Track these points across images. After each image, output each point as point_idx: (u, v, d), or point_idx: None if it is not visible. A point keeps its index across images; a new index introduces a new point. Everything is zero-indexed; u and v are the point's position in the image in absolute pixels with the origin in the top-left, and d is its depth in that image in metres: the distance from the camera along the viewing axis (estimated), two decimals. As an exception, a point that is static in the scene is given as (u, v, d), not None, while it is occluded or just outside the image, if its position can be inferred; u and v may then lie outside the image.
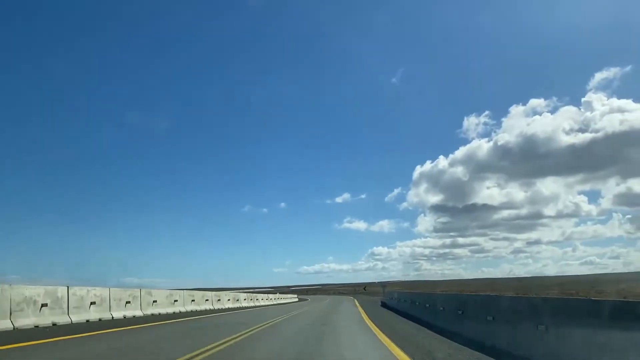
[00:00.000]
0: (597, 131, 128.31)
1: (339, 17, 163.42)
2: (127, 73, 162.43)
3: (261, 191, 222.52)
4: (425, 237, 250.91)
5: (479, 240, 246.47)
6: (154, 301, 20.28)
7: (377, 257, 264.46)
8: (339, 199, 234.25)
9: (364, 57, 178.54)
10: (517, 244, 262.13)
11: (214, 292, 29.37)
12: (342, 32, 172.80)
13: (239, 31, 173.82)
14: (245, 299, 36.02)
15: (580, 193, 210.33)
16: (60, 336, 10.96)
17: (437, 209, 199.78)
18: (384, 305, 33.97)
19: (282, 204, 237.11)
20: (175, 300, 22.70)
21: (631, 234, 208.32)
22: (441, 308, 15.58)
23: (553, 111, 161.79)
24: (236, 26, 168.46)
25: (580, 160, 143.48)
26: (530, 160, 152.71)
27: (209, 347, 9.11)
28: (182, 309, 22.99)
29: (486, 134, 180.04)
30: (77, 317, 14.63)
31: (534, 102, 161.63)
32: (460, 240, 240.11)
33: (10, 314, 12.12)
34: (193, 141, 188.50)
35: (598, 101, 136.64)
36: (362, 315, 22.22)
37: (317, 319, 19.02)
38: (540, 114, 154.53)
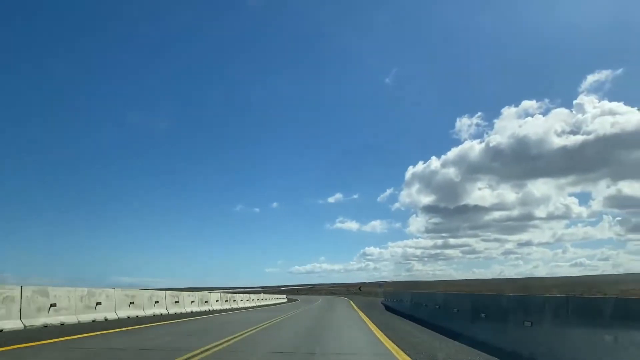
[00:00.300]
0: (588, 133, 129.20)
1: (334, 17, 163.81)
2: (127, 73, 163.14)
3: (253, 191, 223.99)
4: (417, 237, 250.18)
5: (470, 241, 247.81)
6: (51, 305, 12.88)
7: (369, 257, 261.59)
8: (331, 199, 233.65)
9: (358, 58, 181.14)
10: (508, 245, 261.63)
11: (170, 292, 21.93)
12: (336, 32, 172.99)
13: (238, 31, 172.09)
14: (217, 300, 28.63)
15: (571, 195, 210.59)
16: None
17: (429, 209, 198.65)
18: (389, 309, 26.74)
19: (275, 204, 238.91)
20: (98, 303, 15.22)
21: (621, 236, 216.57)
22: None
23: (545, 113, 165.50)
24: (236, 26, 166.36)
25: (572, 162, 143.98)
26: (521, 161, 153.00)
27: None
28: (110, 316, 15.63)
29: (478, 135, 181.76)
30: None
31: (526, 103, 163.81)
32: (452, 241, 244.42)
33: None
34: (190, 141, 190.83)
35: (589, 104, 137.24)
36: (370, 326, 14.97)
37: (305, 335, 11.83)
38: (532, 116, 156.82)
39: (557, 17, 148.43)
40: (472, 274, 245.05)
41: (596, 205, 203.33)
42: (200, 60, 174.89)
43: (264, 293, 65.19)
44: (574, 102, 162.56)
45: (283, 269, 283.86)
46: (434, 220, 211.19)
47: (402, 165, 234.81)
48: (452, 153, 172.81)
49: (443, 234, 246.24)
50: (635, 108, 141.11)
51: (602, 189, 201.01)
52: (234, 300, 33.05)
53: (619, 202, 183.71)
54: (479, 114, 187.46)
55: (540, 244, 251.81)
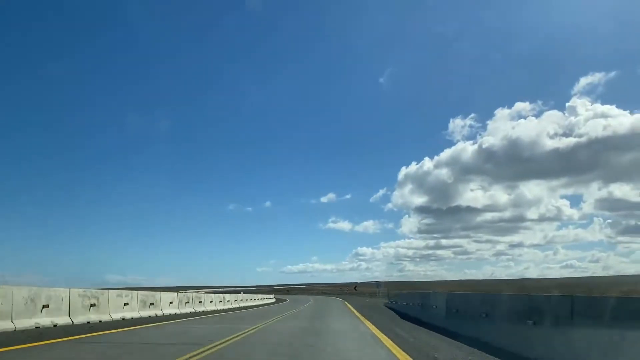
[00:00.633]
0: (580, 136, 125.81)
1: (327, 17, 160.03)
2: (126, 75, 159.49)
3: (246, 190, 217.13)
4: (409, 238, 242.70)
5: (462, 242, 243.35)
6: None
7: (361, 257, 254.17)
8: (324, 199, 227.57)
9: (352, 58, 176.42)
10: (500, 247, 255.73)
11: (91, 291, 14.19)
12: (329, 32, 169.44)
13: (234, 32, 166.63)
14: (172, 302, 20.82)
15: (562, 197, 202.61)
16: None
17: (422, 210, 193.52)
18: (403, 316, 19.08)
19: (268, 203, 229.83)
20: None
21: (611, 238, 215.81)
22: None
23: (538, 115, 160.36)
24: (231, 27, 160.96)
25: (564, 165, 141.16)
26: (514, 163, 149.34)
27: None
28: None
29: (471, 137, 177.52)
30: None
31: (520, 105, 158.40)
32: (444, 241, 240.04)
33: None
34: (184, 141, 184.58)
35: (582, 106, 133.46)
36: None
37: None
38: (525, 118, 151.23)
39: (552, 19, 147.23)
40: (464, 275, 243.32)
41: (587, 207, 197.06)
42: (197, 62, 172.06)
43: (257, 292, 57.97)
44: (567, 104, 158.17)
45: (275, 269, 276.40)
46: (426, 221, 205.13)
47: (395, 165, 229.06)
48: (445, 154, 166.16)
49: (435, 235, 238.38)
50: (627, 111, 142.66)
51: (594, 192, 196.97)
52: (200, 302, 25.25)
53: (609, 204, 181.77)
54: (472, 115, 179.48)
55: (531, 246, 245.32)
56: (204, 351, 8.10)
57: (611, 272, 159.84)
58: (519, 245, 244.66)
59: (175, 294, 22.42)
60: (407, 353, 8.16)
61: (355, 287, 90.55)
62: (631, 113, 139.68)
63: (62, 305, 12.93)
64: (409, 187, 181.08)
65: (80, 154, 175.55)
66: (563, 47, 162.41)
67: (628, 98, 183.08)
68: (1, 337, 9.58)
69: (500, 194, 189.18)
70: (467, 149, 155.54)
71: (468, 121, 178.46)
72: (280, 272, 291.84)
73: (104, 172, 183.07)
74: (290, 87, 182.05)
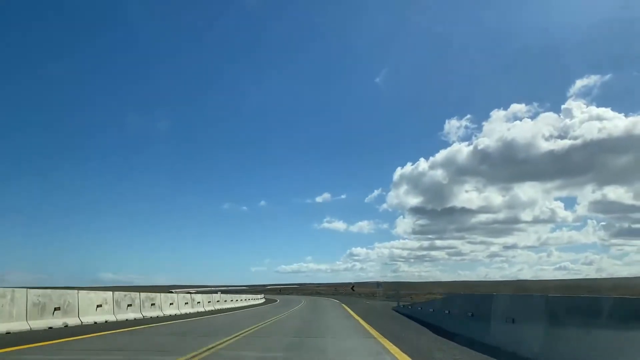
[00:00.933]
0: (575, 138, 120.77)
1: (323, 17, 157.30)
2: (127, 75, 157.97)
3: (241, 189, 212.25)
4: (404, 238, 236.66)
5: (456, 243, 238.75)
6: None
7: (356, 257, 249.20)
8: (319, 199, 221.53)
9: (348, 58, 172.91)
10: (494, 248, 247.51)
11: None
12: (326, 32, 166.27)
13: (232, 33, 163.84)
14: (99, 306, 14.07)
15: (557, 199, 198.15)
16: None
17: (416, 211, 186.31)
18: (436, 330, 12.38)
19: (262, 202, 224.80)
20: None
21: (605, 240, 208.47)
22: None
23: (533, 117, 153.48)
24: (230, 27, 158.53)
25: (558, 167, 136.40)
26: (509, 165, 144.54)
27: None
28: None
29: (467, 138, 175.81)
30: None
31: (515, 107, 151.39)
32: (438, 242, 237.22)
33: None
34: (181, 141, 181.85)
35: (577, 108, 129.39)
36: None
37: None
38: (520, 120, 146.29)
39: (548, 21, 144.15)
40: (458, 276, 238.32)
41: (581, 209, 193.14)
42: (195, 63, 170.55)
43: (249, 292, 51.68)
44: (562, 106, 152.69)
45: (270, 268, 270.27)
46: (420, 221, 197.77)
47: (390, 166, 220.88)
48: (441, 155, 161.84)
49: (429, 236, 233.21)
50: (622, 114, 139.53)
51: (588, 194, 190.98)
52: (153, 305, 18.48)
53: (603, 207, 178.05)
54: (468, 116, 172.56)
55: (525, 247, 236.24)
56: None
57: (604, 275, 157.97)
58: (513, 246, 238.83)
59: (110, 293, 15.64)
60: None
61: (353, 287, 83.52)
62: (626, 116, 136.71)
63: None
64: (404, 187, 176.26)
65: (80, 153, 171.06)
66: (559, 49, 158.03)
67: (623, 101, 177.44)
68: None
69: (494, 196, 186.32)
70: (462, 150, 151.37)
71: (464, 122, 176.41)
72: (274, 272, 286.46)
73: (104, 172, 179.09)
74: (287, 87, 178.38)
